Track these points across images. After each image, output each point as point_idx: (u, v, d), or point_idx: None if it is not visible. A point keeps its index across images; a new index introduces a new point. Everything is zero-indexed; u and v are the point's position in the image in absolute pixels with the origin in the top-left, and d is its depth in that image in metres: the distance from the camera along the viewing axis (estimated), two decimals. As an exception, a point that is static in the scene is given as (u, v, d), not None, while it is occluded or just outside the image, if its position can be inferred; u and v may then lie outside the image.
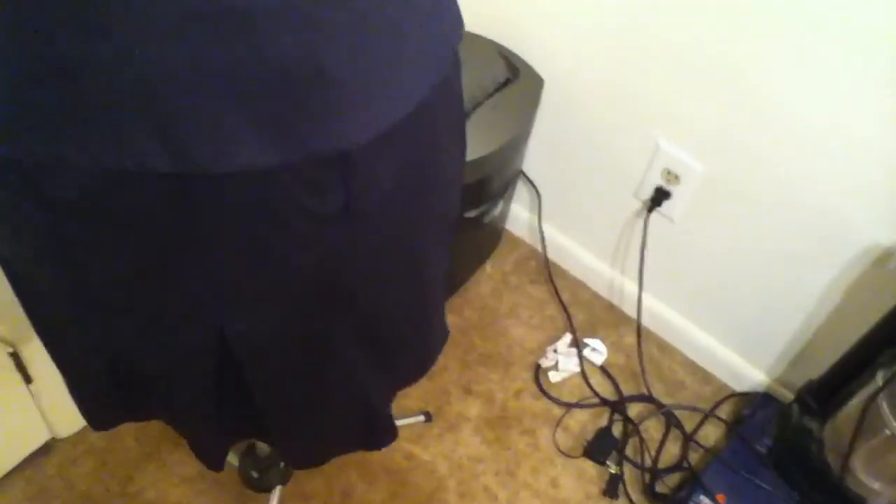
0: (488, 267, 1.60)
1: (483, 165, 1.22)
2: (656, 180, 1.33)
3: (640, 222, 1.40)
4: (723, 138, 1.21)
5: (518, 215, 1.62)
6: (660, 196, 1.33)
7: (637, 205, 1.40)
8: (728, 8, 1.08)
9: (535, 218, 1.57)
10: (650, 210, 1.35)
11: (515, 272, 1.60)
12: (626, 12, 1.20)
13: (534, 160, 1.50)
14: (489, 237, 1.57)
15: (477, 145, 1.20)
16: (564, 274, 1.60)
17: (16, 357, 1.08)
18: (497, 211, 1.42)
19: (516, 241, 1.65)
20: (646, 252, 1.40)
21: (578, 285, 1.59)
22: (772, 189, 1.19)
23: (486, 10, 1.36)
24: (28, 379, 1.13)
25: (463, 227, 1.36)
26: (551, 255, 1.60)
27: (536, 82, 1.34)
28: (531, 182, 1.53)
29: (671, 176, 1.30)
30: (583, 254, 1.56)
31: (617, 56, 1.25)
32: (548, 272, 1.59)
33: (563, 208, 1.53)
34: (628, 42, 1.23)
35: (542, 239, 1.58)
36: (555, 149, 1.45)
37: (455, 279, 1.53)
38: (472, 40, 1.36)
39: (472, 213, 1.33)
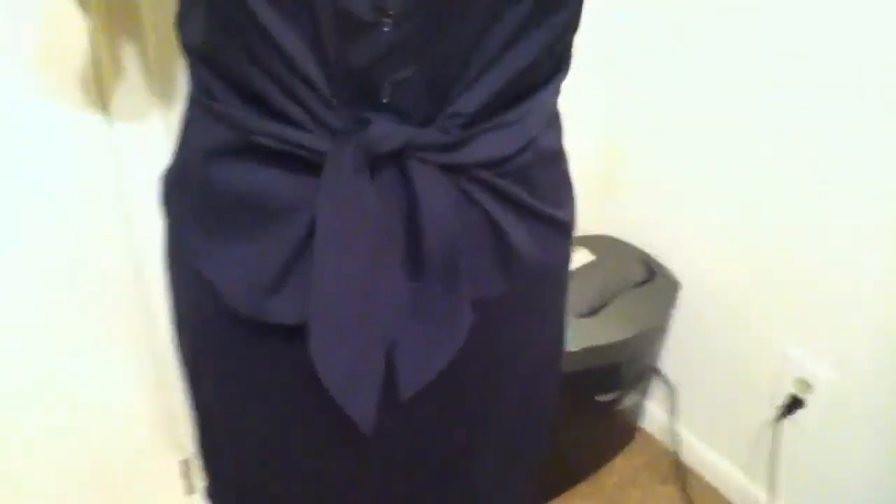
0: (619, 461, 1.63)
1: (614, 351, 1.32)
2: (789, 388, 1.36)
3: (778, 430, 1.41)
4: (857, 351, 1.24)
5: (654, 414, 1.66)
6: (793, 404, 1.35)
7: (772, 412, 1.42)
8: (860, 227, 1.17)
9: (670, 418, 1.61)
10: (781, 418, 1.37)
11: (646, 469, 1.62)
12: (761, 230, 1.31)
13: (671, 360, 1.57)
14: (622, 430, 1.61)
15: (609, 332, 1.31)
16: (697, 478, 1.60)
17: (186, 465, 1.24)
18: (629, 401, 1.48)
19: (650, 440, 1.68)
20: (782, 462, 1.39)
21: (711, 491, 1.58)
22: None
23: (632, 219, 1.52)
24: (191, 489, 1.27)
25: (595, 411, 1.44)
26: (684, 458, 1.61)
27: (672, 285, 1.45)
28: (668, 382, 1.59)
29: (804, 384, 1.33)
30: (716, 459, 1.56)
31: (751, 267, 1.35)
32: (680, 474, 1.59)
33: (699, 411, 1.57)
34: (762, 256, 1.33)
35: (676, 440, 1.61)
36: (691, 350, 1.53)
37: (585, 465, 1.57)
38: (615, 244, 1.51)
39: (604, 398, 1.41)
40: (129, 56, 0.86)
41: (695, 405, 1.57)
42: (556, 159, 0.69)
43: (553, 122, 0.68)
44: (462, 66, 0.54)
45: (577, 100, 1.40)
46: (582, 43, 1.33)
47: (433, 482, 0.84)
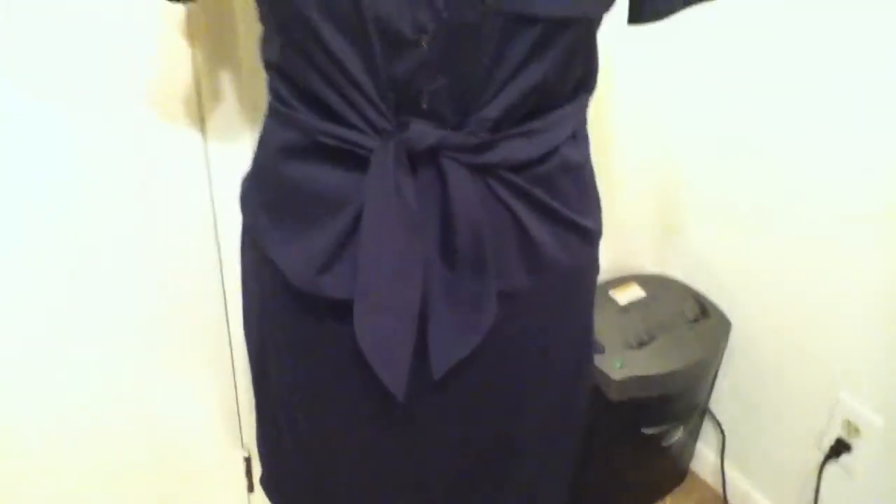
0: (669, 501, 1.65)
1: (660, 383, 1.37)
2: (837, 431, 1.37)
3: (822, 474, 1.41)
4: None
5: (705, 457, 1.68)
6: (840, 448, 1.36)
7: (818, 456, 1.42)
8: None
9: (720, 460, 1.63)
10: (825, 462, 1.38)
11: (695, 511, 1.63)
12: (814, 274, 1.35)
13: (722, 402, 1.60)
14: (672, 469, 1.64)
15: (656, 364, 1.36)
16: (745, 522, 1.60)
17: (248, 463, 1.34)
18: (677, 437, 1.51)
19: (700, 483, 1.69)
20: (826, 508, 1.40)
21: (759, 536, 1.58)
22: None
23: (687, 259, 1.58)
24: (251, 488, 1.37)
25: (642, 444, 1.48)
26: (732, 500, 1.62)
27: (724, 324, 1.49)
28: (718, 422, 1.61)
29: (852, 428, 1.34)
30: (764, 502, 1.57)
31: (801, 310, 1.38)
32: (728, 518, 1.61)
33: (748, 453, 1.58)
34: (814, 300, 1.36)
35: (724, 482, 1.62)
36: (741, 391, 1.55)
37: (634, 502, 1.60)
38: (669, 283, 1.57)
39: (650, 431, 1.45)
40: (225, 79, 1.01)
41: (745, 447, 1.58)
42: (580, 170, 0.78)
43: (579, 136, 0.77)
44: (486, 79, 0.64)
45: (634, 150, 1.49)
46: (638, 89, 1.40)
47: (468, 477, 0.92)
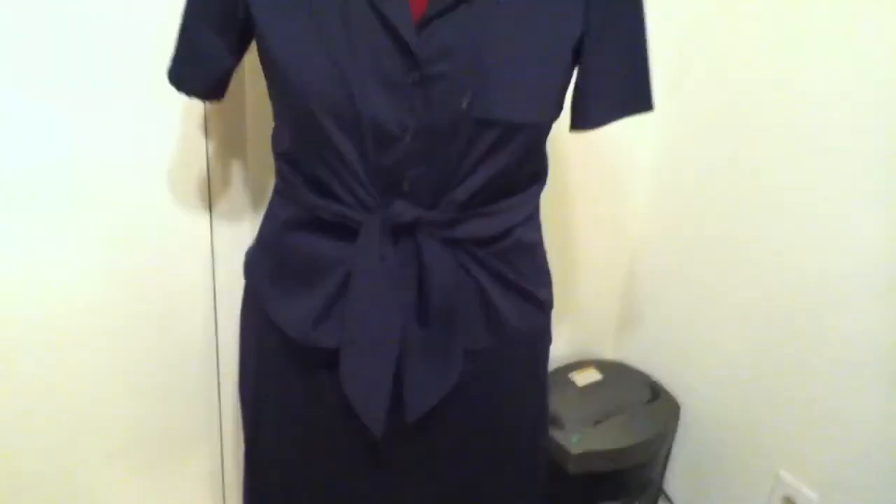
0: (626, 580, 1.72)
1: (614, 458, 1.48)
2: (777, 508, 1.48)
3: (766, 552, 1.51)
4: (842, 476, 1.37)
5: (661, 537, 1.77)
6: (781, 524, 1.47)
7: (763, 533, 1.52)
8: (850, 366, 1.33)
9: (675, 540, 1.72)
10: (768, 540, 1.48)
11: (651, 589, 1.70)
12: (752, 359, 1.49)
13: (675, 480, 1.70)
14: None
15: (610, 440, 1.48)
16: None
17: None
18: (632, 514, 1.61)
19: (657, 562, 1.77)
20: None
21: None
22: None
23: (642, 348, 1.71)
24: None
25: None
26: (687, 580, 1.70)
27: (675, 406, 1.61)
28: (671, 501, 1.71)
29: (790, 504, 1.45)
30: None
31: (744, 396, 1.51)
32: None
33: (700, 532, 1.67)
34: (754, 384, 1.49)
35: (679, 560, 1.70)
36: (691, 470, 1.66)
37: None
38: (624, 368, 1.70)
39: (606, 506, 1.55)
40: (234, 170, 1.16)
41: (696, 526, 1.68)
42: (534, 248, 0.93)
43: (532, 220, 0.92)
44: (456, 168, 0.80)
45: (597, 249, 1.64)
46: (601, 189, 1.54)
47: None
